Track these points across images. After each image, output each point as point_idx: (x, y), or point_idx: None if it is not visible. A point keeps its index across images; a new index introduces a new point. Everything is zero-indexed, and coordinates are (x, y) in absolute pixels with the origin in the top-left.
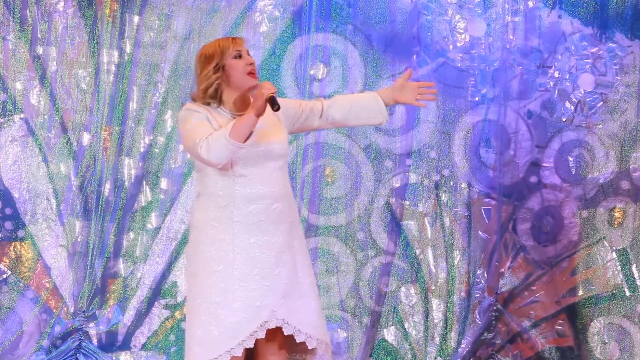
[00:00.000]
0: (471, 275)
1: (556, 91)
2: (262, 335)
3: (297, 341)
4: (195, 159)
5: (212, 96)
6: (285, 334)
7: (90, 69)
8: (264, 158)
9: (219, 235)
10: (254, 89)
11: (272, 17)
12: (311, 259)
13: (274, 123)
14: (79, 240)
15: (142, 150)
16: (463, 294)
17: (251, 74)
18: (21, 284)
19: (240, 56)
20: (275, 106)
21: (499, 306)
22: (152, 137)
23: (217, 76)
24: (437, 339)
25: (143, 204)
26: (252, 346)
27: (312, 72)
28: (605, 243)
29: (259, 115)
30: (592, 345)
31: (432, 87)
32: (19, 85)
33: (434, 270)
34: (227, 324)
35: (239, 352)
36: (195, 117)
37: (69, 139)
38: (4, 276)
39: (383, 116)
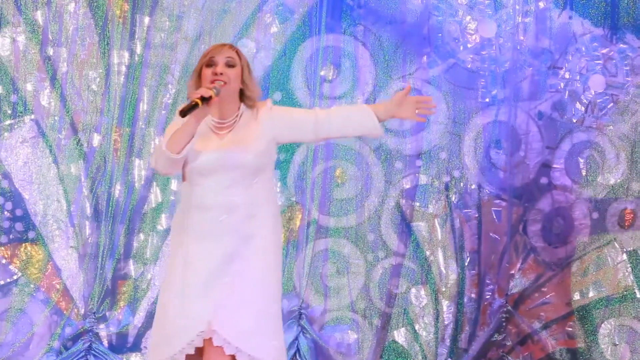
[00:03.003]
0: (481, 277)
1: (567, 92)
2: (199, 344)
3: (226, 353)
4: None
5: None
6: (214, 344)
7: (100, 70)
8: (222, 168)
9: (177, 240)
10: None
11: (282, 18)
12: (321, 261)
13: (251, 133)
14: (89, 241)
15: (152, 151)
16: (473, 295)
17: (214, 82)
18: (32, 286)
19: (212, 64)
20: (192, 109)
21: (509, 308)
22: (162, 139)
23: (193, 83)
24: (448, 341)
25: (153, 205)
26: (192, 352)
27: (322, 73)
28: (616, 244)
29: (197, 121)
30: (602, 347)
31: (430, 102)
32: (29, 87)
33: (444, 271)
34: (170, 330)
35: (182, 358)
36: (170, 124)
37: (79, 140)
38: (15, 277)
39: (377, 132)
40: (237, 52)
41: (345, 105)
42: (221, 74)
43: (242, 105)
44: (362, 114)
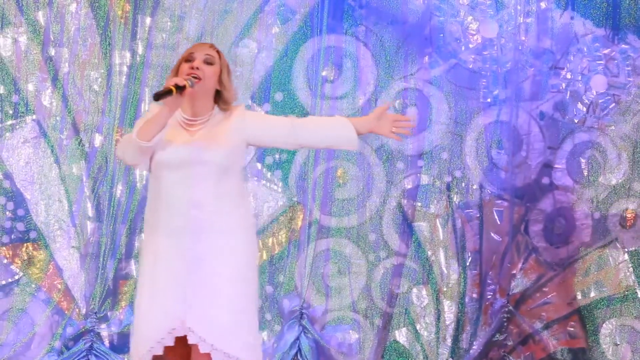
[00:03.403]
0: (483, 277)
1: (568, 92)
2: (170, 342)
3: (201, 351)
4: None
5: None
6: (189, 342)
7: (102, 71)
8: (190, 162)
9: (148, 238)
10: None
11: (284, 18)
12: (322, 261)
13: (222, 131)
14: (90, 241)
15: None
16: (475, 295)
17: (190, 75)
18: (33, 285)
19: (190, 59)
20: (165, 95)
21: (510, 308)
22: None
23: (171, 77)
24: (449, 341)
25: None
26: (161, 353)
27: (324, 74)
28: (617, 245)
29: (169, 111)
30: (604, 347)
31: (408, 122)
32: (31, 87)
33: (445, 271)
34: (142, 329)
35: (148, 358)
36: (140, 118)
37: (81, 141)
38: (16, 277)
39: (353, 144)
40: (218, 52)
41: (324, 116)
42: (197, 68)
43: (216, 107)
44: (340, 125)
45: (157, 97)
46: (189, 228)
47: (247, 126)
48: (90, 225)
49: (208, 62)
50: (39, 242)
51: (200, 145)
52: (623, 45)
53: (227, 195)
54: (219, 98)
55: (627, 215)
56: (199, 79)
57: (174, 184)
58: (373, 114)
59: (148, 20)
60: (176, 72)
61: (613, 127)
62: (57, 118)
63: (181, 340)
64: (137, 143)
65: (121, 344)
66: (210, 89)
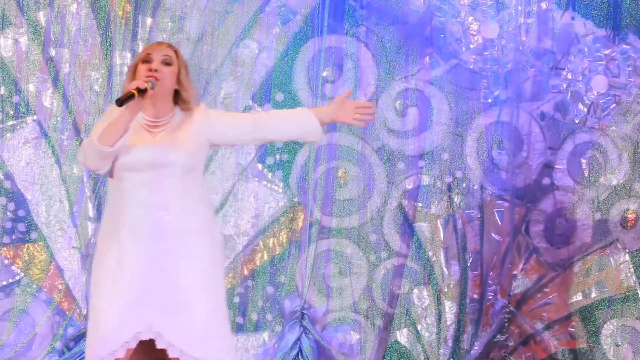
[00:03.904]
0: (484, 277)
1: (569, 93)
2: (133, 345)
3: (170, 356)
4: None
5: None
6: (158, 347)
7: (103, 71)
8: (153, 164)
9: (108, 240)
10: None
11: (284, 19)
12: (323, 262)
13: (184, 132)
14: (91, 242)
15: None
16: (476, 296)
17: (148, 77)
18: (34, 286)
19: (148, 60)
20: (128, 100)
21: (511, 308)
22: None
23: (129, 79)
24: (450, 341)
25: None
26: (123, 356)
27: (324, 74)
28: (618, 245)
29: (131, 114)
30: (605, 347)
31: (370, 107)
32: (32, 87)
33: (446, 272)
34: (103, 331)
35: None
36: (99, 121)
37: (81, 141)
38: (17, 278)
39: (318, 135)
40: (176, 52)
41: (286, 109)
42: (156, 70)
43: (177, 107)
44: (301, 117)
45: (120, 103)
46: (155, 230)
47: (210, 125)
48: (91, 226)
49: (166, 63)
50: (40, 243)
51: (163, 147)
52: (624, 46)
53: (191, 195)
54: (178, 98)
55: (628, 215)
56: (157, 79)
57: (139, 186)
58: (334, 102)
59: (149, 20)
60: (133, 73)
61: (614, 128)
62: (58, 118)
63: (145, 347)
64: (99, 148)
65: None
66: (169, 89)
